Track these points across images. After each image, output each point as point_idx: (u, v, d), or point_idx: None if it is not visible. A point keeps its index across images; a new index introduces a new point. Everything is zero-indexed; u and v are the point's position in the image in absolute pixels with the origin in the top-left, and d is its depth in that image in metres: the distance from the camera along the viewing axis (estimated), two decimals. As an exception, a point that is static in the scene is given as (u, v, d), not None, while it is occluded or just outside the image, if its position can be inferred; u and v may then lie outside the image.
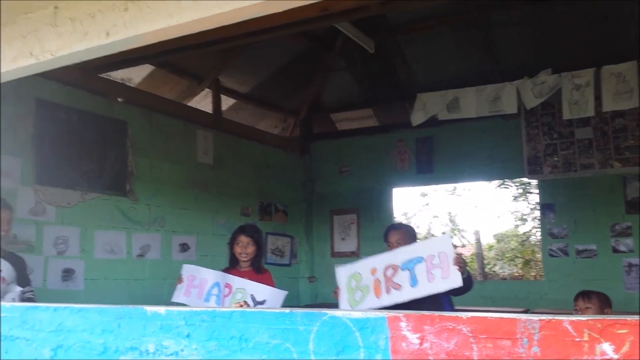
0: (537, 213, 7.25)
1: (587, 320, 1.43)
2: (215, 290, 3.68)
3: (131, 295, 5.25)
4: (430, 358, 1.55)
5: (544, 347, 1.44)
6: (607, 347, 1.38)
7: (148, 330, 1.90)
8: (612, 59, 5.57)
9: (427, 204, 12.74)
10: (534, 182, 7.39)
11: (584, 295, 3.69)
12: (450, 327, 1.54)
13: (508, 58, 6.46)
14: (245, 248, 3.94)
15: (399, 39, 6.70)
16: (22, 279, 3.71)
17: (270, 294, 3.68)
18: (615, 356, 1.38)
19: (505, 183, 11.92)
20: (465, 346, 1.52)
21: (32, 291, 3.75)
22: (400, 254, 3.42)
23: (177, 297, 3.79)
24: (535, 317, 1.47)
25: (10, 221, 3.66)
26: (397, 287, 3.33)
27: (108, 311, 2.02)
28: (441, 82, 6.59)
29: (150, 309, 1.93)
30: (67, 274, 4.79)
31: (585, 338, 1.41)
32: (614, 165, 6.03)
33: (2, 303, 2.34)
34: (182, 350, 1.83)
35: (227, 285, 3.69)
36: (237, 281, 3.71)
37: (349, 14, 4.70)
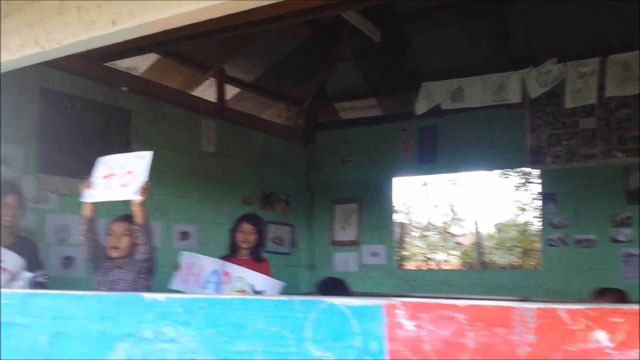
0: (538, 203, 7.24)
1: (584, 308, 1.44)
2: (213, 278, 3.69)
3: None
4: (426, 345, 1.56)
5: (540, 335, 1.45)
6: (602, 336, 1.39)
7: (146, 317, 1.92)
8: (619, 48, 5.54)
9: (427, 194, 12.72)
10: (536, 172, 7.37)
11: (602, 293, 3.68)
12: (447, 314, 1.55)
13: (517, 47, 6.42)
14: (248, 236, 3.97)
15: (407, 28, 6.66)
16: (33, 263, 3.67)
17: (269, 284, 3.70)
18: (611, 344, 1.38)
19: (507, 173, 11.90)
20: (461, 334, 1.53)
21: (45, 275, 3.73)
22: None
23: (175, 284, 3.81)
24: (531, 305, 1.48)
25: (18, 206, 3.68)
26: None
27: (107, 298, 2.04)
28: (448, 71, 6.55)
29: (149, 295, 1.95)
30: (68, 261, 4.82)
31: (581, 326, 1.41)
32: (617, 155, 6.01)
33: (3, 290, 2.36)
34: (180, 336, 1.85)
35: (226, 273, 3.71)
36: (237, 269, 3.72)
37: (355, 3, 4.69)
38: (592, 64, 5.58)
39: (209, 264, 3.77)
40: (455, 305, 1.55)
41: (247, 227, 4.00)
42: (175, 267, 3.82)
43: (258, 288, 3.65)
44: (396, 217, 8.26)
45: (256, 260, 4.01)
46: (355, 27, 5.99)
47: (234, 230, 4.07)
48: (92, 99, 5.11)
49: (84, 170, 4.92)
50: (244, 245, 3.98)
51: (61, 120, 4.84)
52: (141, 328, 1.91)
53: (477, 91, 6.08)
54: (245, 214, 4.41)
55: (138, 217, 3.30)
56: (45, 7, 2.81)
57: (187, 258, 3.85)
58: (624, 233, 6.03)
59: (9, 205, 3.61)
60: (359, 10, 5.52)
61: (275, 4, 2.42)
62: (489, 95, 6.03)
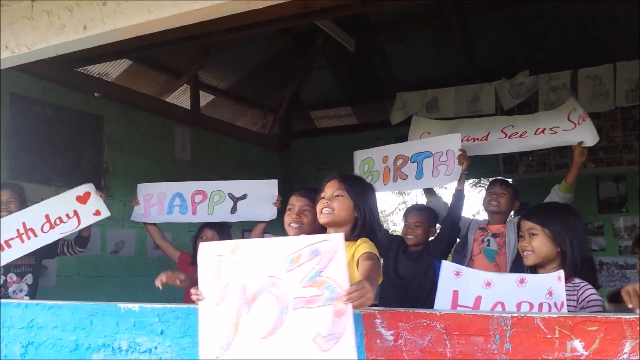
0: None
1: (558, 317, 1.45)
2: (177, 201, 3.60)
3: (105, 292, 5.18)
4: (405, 355, 1.56)
5: (516, 343, 1.46)
6: (577, 344, 1.41)
7: (121, 327, 1.88)
8: (589, 62, 5.64)
9: (404, 202, 12.81)
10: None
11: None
12: (425, 323, 1.55)
13: (486, 59, 6.51)
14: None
15: (380, 38, 6.72)
16: None
17: (256, 187, 3.63)
18: (586, 352, 1.40)
19: (481, 182, 12.02)
20: (439, 343, 1.53)
21: None
22: (412, 146, 3.66)
23: (136, 216, 3.73)
24: (507, 314, 1.49)
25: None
26: (404, 177, 3.59)
27: (80, 308, 2.00)
28: (420, 81, 6.61)
29: (123, 305, 1.91)
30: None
31: (556, 335, 1.43)
32: (588, 165, 6.10)
33: None
34: (155, 347, 1.82)
35: (200, 192, 3.63)
36: (211, 185, 3.66)
37: (329, 12, 4.70)
38: (563, 77, 5.66)
39: (171, 189, 3.69)
40: (432, 313, 1.56)
41: (208, 233, 3.89)
42: (134, 202, 3.75)
43: (238, 194, 3.57)
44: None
45: None
46: (330, 36, 6.02)
47: (196, 237, 3.99)
48: (63, 105, 5.02)
49: (54, 178, 4.87)
50: None
51: (32, 126, 4.75)
52: (116, 339, 1.88)
53: (451, 102, 6.15)
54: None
55: None
56: (15, 11, 2.76)
57: (144, 190, 3.77)
58: (597, 242, 6.13)
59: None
60: (333, 19, 5.55)
61: (249, 12, 2.42)
62: (464, 106, 6.10)
